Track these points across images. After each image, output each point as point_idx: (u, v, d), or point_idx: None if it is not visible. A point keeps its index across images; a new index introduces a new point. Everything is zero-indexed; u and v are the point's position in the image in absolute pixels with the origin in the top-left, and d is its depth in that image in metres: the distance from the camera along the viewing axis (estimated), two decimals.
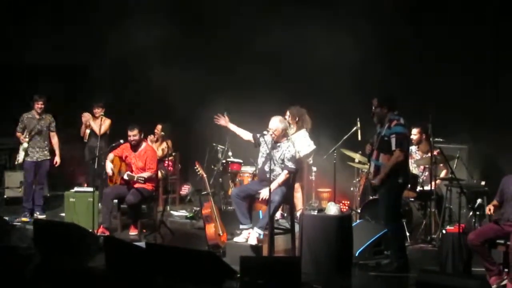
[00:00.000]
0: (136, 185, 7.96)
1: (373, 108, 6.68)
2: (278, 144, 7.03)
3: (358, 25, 9.40)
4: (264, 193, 6.80)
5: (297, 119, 8.55)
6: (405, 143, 6.55)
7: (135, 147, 8.17)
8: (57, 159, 9.23)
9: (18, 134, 9.06)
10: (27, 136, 8.95)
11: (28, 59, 10.80)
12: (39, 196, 9.21)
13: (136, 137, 8.11)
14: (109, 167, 8.11)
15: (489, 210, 6.30)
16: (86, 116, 9.96)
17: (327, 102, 9.63)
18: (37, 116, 9.05)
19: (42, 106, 9.02)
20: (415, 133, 8.25)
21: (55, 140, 9.21)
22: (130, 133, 8.10)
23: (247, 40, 10.29)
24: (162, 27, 10.39)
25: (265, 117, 7.28)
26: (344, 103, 9.38)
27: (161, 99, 10.72)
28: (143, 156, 8.14)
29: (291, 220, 7.09)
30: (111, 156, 8.20)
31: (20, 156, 9.06)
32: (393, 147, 6.46)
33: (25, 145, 8.97)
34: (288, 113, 8.69)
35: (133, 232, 8.06)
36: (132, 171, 8.04)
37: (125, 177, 7.90)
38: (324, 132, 8.84)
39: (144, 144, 8.30)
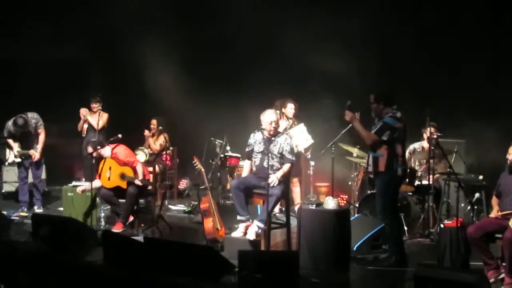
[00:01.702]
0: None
1: (371, 104, 6.68)
2: (273, 138, 6.99)
3: (356, 23, 9.41)
4: (272, 179, 6.76)
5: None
6: (387, 133, 6.44)
7: (103, 156, 8.09)
8: (35, 153, 9.07)
9: (9, 141, 9.12)
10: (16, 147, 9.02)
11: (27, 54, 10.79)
12: (37, 189, 9.22)
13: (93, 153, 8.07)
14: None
15: (498, 212, 6.28)
16: (83, 111, 9.95)
17: (325, 97, 9.62)
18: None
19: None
20: (433, 131, 8.09)
21: (41, 136, 9.11)
22: None
23: (242, 34, 10.29)
24: (157, 20, 10.39)
25: (259, 110, 7.27)
26: (342, 97, 9.36)
27: (158, 93, 10.72)
28: (116, 158, 8.03)
29: (286, 214, 7.11)
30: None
31: (10, 157, 9.20)
32: (373, 132, 6.49)
33: (14, 156, 9.11)
34: (291, 105, 8.70)
35: (117, 229, 7.76)
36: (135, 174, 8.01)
37: (137, 182, 7.82)
38: (322, 126, 8.83)
39: (108, 149, 8.09)
